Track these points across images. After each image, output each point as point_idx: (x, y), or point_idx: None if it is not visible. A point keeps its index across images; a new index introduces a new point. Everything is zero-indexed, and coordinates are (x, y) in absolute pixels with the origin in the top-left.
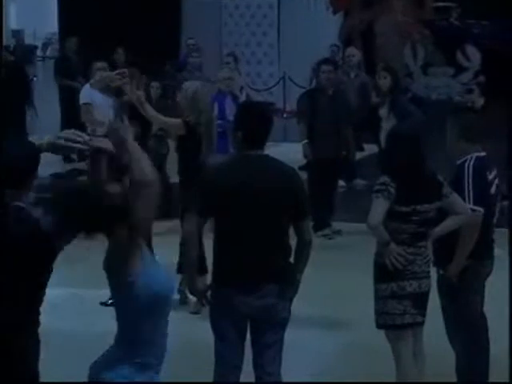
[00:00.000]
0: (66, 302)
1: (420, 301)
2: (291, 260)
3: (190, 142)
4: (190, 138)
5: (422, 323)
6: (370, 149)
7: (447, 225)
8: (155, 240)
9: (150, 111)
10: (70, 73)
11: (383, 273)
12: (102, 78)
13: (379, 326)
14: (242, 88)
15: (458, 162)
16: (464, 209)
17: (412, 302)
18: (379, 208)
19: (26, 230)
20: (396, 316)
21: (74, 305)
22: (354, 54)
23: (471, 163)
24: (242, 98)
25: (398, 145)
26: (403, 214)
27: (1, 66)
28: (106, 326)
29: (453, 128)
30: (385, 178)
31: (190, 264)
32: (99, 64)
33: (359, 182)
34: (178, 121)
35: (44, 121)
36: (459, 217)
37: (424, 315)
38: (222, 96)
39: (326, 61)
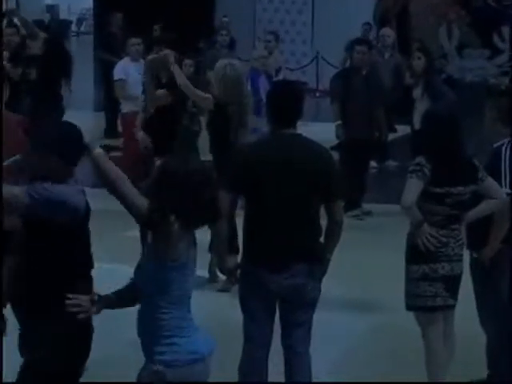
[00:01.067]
0: (98, 277)
1: (452, 284)
2: (321, 240)
3: (219, 119)
4: (218, 115)
5: (453, 306)
6: (403, 130)
7: (481, 209)
8: None
9: (183, 79)
10: (112, 48)
11: (415, 254)
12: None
13: (409, 307)
14: (280, 68)
15: (495, 145)
16: (499, 194)
17: (444, 284)
18: (413, 188)
19: None
20: (427, 298)
21: (106, 280)
22: (389, 34)
23: (508, 147)
24: (279, 78)
25: (435, 126)
26: (437, 195)
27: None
28: None
29: (490, 111)
30: (420, 159)
31: (220, 241)
32: (134, 40)
33: (391, 163)
34: (208, 95)
35: (77, 96)
36: (494, 201)
37: (456, 298)
38: (257, 74)
39: (359, 41)
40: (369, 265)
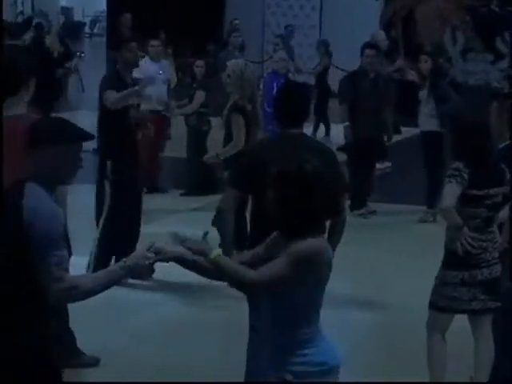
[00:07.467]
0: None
1: (491, 286)
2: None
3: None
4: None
5: (492, 309)
6: (407, 132)
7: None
8: (198, 215)
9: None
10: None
11: (454, 259)
12: None
13: (442, 309)
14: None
15: (500, 146)
16: None
17: (482, 288)
18: (451, 192)
19: None
20: (463, 302)
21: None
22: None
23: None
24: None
25: (470, 130)
26: (476, 197)
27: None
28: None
29: (496, 113)
30: (457, 164)
31: (223, 238)
32: (153, 41)
33: (387, 165)
34: (236, 142)
35: (90, 97)
36: None
37: (496, 300)
38: (277, 77)
39: (369, 45)
40: (372, 263)
